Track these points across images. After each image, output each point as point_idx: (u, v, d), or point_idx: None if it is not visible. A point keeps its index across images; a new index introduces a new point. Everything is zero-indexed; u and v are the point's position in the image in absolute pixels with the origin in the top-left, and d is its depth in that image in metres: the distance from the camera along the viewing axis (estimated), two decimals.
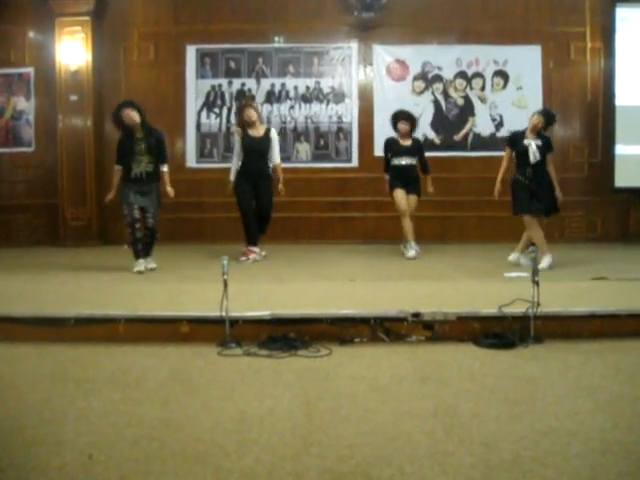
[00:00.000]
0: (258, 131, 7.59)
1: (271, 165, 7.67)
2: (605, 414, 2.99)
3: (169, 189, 6.80)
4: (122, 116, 6.60)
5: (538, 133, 6.88)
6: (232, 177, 7.62)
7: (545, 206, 6.82)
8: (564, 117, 9.84)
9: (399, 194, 7.83)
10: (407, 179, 7.88)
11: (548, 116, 6.96)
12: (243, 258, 7.61)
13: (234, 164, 7.64)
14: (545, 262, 6.60)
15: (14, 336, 4.40)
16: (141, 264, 6.71)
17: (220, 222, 8.80)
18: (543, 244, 6.73)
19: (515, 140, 6.94)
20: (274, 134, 7.70)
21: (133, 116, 6.57)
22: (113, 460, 2.54)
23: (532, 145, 6.75)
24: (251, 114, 7.54)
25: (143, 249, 6.78)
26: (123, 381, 3.57)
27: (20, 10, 9.79)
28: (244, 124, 7.59)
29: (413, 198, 7.92)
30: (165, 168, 6.82)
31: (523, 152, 6.80)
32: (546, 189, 6.83)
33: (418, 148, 8.00)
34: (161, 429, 2.85)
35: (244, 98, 8.51)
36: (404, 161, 7.89)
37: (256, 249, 7.68)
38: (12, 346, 4.27)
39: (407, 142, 7.94)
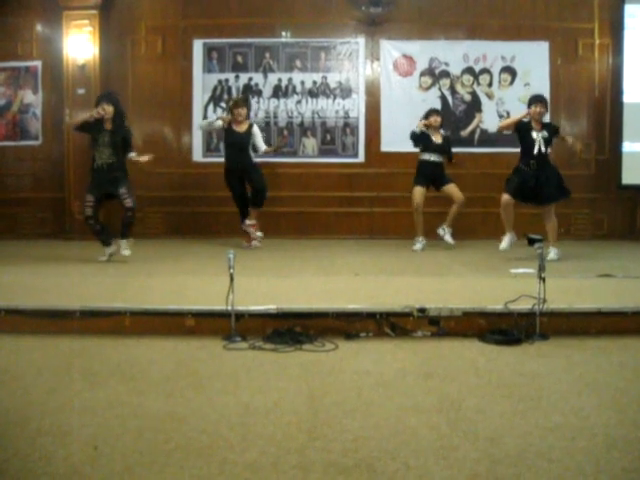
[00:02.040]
0: (242, 127, 8.11)
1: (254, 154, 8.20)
2: (610, 410, 2.98)
3: (143, 158, 7.18)
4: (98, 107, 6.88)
5: (542, 122, 6.94)
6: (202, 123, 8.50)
7: (550, 194, 6.94)
8: (571, 114, 9.82)
9: (417, 191, 8.01)
10: (434, 176, 8.07)
11: (546, 102, 7.07)
12: (245, 244, 8.22)
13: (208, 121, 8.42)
14: (505, 242, 6.99)
15: (20, 328, 4.42)
16: (106, 253, 6.99)
17: (226, 216, 8.78)
18: (508, 224, 7.04)
19: (522, 129, 7.00)
20: (256, 129, 8.23)
21: (107, 110, 6.87)
22: (118, 452, 2.54)
23: (539, 139, 6.81)
24: (241, 112, 8.08)
25: (107, 237, 7.05)
26: (128, 373, 3.58)
27: (28, 4, 9.78)
28: (231, 120, 8.12)
29: (453, 186, 8.06)
30: (133, 153, 7.16)
31: (529, 144, 6.85)
32: (551, 178, 6.94)
33: (448, 146, 8.20)
34: (166, 421, 2.85)
35: (237, 98, 8.69)
36: (433, 157, 8.06)
37: (251, 222, 8.24)
38: (18, 338, 4.29)
39: (438, 139, 8.11)
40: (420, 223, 8.05)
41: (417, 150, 8.20)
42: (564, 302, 4.53)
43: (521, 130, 7.01)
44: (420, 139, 8.06)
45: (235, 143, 8.09)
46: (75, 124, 7.20)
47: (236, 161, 8.09)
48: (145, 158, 7.16)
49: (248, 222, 8.22)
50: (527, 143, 6.93)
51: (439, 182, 8.11)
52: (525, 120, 6.99)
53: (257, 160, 8.27)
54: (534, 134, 6.88)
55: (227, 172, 8.19)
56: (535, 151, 6.83)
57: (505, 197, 6.99)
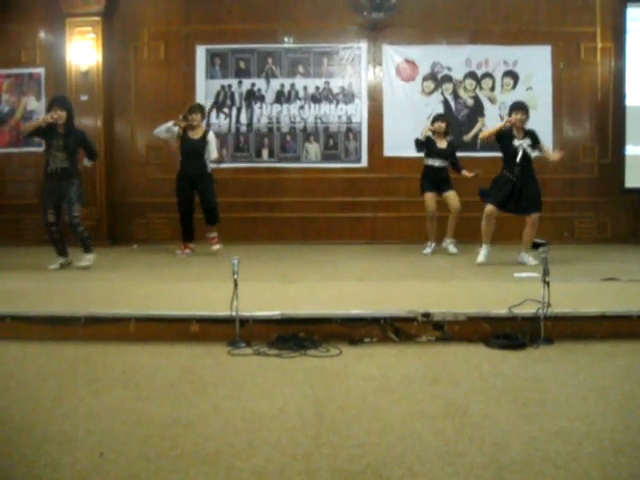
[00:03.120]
0: (196, 133, 8.10)
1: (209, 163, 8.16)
2: (616, 415, 2.98)
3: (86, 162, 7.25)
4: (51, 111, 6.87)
5: (524, 129, 6.93)
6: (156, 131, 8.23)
7: (527, 205, 6.92)
8: (574, 117, 9.83)
9: (429, 198, 8.14)
10: (439, 180, 8.17)
11: (526, 109, 7.01)
12: (179, 252, 8.24)
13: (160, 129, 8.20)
14: (482, 256, 7.02)
15: (25, 335, 4.43)
16: (56, 262, 6.98)
17: (230, 222, 8.79)
18: (487, 235, 7.07)
19: (504, 137, 6.97)
20: (211, 136, 8.19)
21: (60, 115, 6.84)
22: (124, 458, 2.54)
23: (523, 146, 6.83)
24: (195, 118, 8.08)
25: (63, 248, 7.04)
26: (133, 380, 3.58)
27: (31, 10, 9.82)
28: (187, 127, 8.10)
29: (453, 194, 8.18)
30: (88, 164, 7.30)
31: (512, 152, 6.85)
32: (532, 188, 6.93)
33: (452, 151, 8.26)
34: (172, 428, 2.85)
35: (192, 104, 8.68)
36: (437, 163, 8.16)
37: (191, 245, 8.27)
38: (23, 345, 4.29)
39: (443, 144, 8.18)
40: (433, 229, 8.24)
41: (420, 155, 8.24)
42: (568, 306, 4.53)
43: (503, 138, 6.97)
44: (424, 144, 8.10)
45: (189, 149, 8.03)
46: (27, 129, 7.12)
47: (190, 167, 8.04)
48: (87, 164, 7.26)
49: (209, 235, 8.23)
50: (509, 151, 6.92)
51: (442, 187, 8.18)
52: (506, 127, 6.96)
53: (212, 168, 8.26)
54: (516, 142, 6.87)
55: (179, 177, 8.15)
56: (518, 159, 6.83)
57: (489, 207, 6.99)
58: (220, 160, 8.28)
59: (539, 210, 6.98)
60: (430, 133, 8.10)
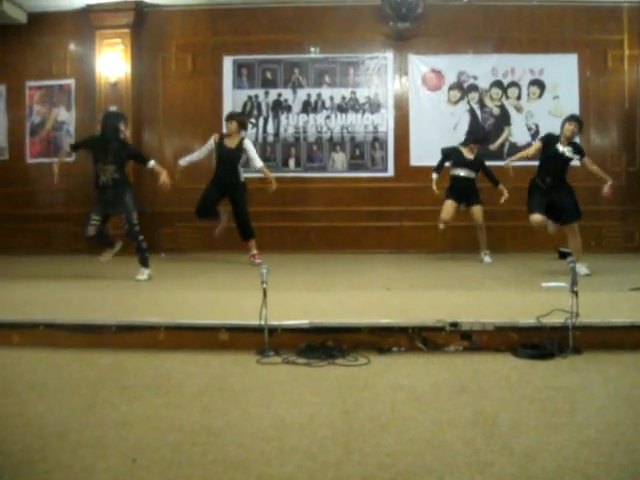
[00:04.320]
0: (233, 142, 8.04)
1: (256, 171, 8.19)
2: None
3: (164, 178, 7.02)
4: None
5: (572, 142, 6.89)
6: (182, 162, 8.19)
7: (564, 215, 6.84)
8: (601, 126, 9.78)
9: (448, 204, 8.17)
10: (464, 191, 8.20)
11: (581, 122, 6.96)
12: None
13: (190, 156, 8.22)
14: (582, 269, 6.69)
15: (57, 342, 4.50)
16: (109, 254, 7.25)
17: (257, 231, 8.80)
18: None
19: (549, 143, 6.92)
20: (247, 144, 8.11)
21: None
22: (156, 464, 2.58)
23: (566, 152, 6.77)
24: (229, 126, 8.07)
25: (107, 240, 7.20)
26: (164, 387, 3.62)
27: (61, 23, 10.01)
28: (222, 134, 8.19)
29: (478, 209, 8.22)
30: (152, 163, 7.08)
31: (552, 157, 6.79)
32: (566, 197, 6.86)
33: (480, 163, 8.31)
34: (202, 435, 2.89)
35: (230, 112, 8.74)
36: (462, 172, 8.21)
37: (253, 252, 8.19)
38: (55, 352, 4.36)
39: (470, 156, 8.24)
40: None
41: (449, 165, 8.27)
42: (597, 316, 4.50)
43: (547, 146, 6.92)
44: (451, 155, 8.13)
45: (224, 158, 8.02)
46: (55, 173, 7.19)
47: (224, 176, 8.02)
48: (164, 177, 7.01)
49: (250, 252, 8.20)
50: (550, 156, 6.85)
51: (470, 200, 8.22)
52: (555, 135, 6.93)
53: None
54: (560, 147, 6.83)
55: (211, 183, 8.12)
56: (553, 165, 6.79)
57: (535, 217, 6.88)
58: (266, 174, 8.06)
59: (576, 218, 6.88)
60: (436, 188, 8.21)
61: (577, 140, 7.02)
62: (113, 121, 6.86)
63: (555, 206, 6.82)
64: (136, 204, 6.89)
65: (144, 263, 6.89)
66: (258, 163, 8.04)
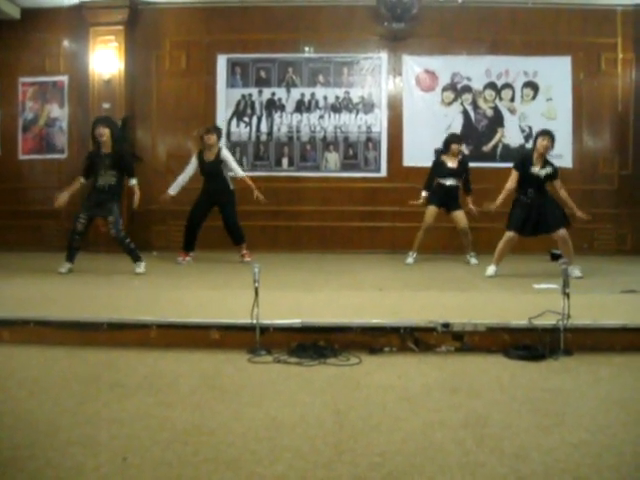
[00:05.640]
0: (211, 154, 8.17)
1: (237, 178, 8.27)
2: (638, 427, 2.97)
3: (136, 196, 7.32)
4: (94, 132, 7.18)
5: (544, 159, 6.89)
6: (171, 191, 8.28)
7: (551, 222, 6.82)
8: (594, 128, 9.81)
9: (431, 210, 8.20)
10: (447, 198, 8.23)
11: (553, 137, 6.92)
12: (180, 259, 8.29)
13: (177, 182, 8.30)
14: (491, 270, 6.97)
15: (48, 339, 4.48)
16: (66, 267, 7.14)
17: (249, 230, 8.81)
18: (500, 257, 7.05)
19: (523, 164, 6.92)
20: (225, 154, 8.23)
21: (102, 132, 7.14)
22: (147, 463, 2.57)
23: (542, 174, 6.80)
24: (210, 138, 8.12)
25: (73, 256, 7.20)
26: (155, 386, 3.61)
27: (55, 19, 9.98)
28: (201, 149, 8.27)
29: (460, 213, 8.26)
30: (133, 182, 7.31)
31: (528, 177, 6.80)
32: (550, 207, 6.85)
33: (464, 169, 8.29)
34: (194, 434, 2.88)
35: (208, 126, 8.78)
36: (448, 182, 8.24)
37: (191, 254, 8.36)
38: (46, 349, 4.34)
39: (454, 164, 8.24)
40: (420, 240, 8.30)
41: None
42: (588, 318, 4.51)
43: (522, 166, 6.91)
44: (435, 169, 8.26)
45: (208, 173, 8.16)
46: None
47: (212, 186, 8.16)
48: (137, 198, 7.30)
49: (241, 252, 8.31)
50: (525, 177, 6.87)
51: (450, 206, 8.25)
52: (528, 152, 7.03)
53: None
54: (535, 169, 6.83)
55: (201, 192, 8.26)
56: (534, 182, 6.82)
57: (509, 234, 6.93)
58: (250, 185, 8.14)
59: (563, 225, 6.85)
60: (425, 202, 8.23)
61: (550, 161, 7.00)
62: (92, 127, 7.27)
63: (540, 217, 6.81)
64: (120, 212, 7.20)
65: (137, 259, 7.17)
66: (239, 172, 8.21)
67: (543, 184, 6.87)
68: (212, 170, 8.10)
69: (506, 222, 7.01)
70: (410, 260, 8.31)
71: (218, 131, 8.43)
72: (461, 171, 8.25)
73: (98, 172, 7.06)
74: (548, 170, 6.87)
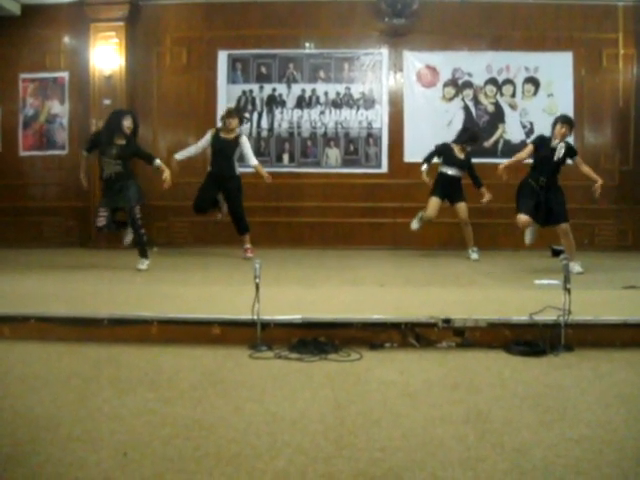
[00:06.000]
0: (230, 134, 8.08)
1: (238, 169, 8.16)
2: (639, 423, 2.97)
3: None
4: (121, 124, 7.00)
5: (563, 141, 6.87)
6: (178, 156, 8.22)
7: (554, 216, 6.82)
8: (595, 124, 9.79)
9: (433, 201, 8.15)
10: (450, 189, 8.19)
11: (572, 124, 6.92)
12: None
13: (187, 150, 8.32)
14: (575, 268, 6.67)
15: (49, 335, 4.48)
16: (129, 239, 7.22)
17: (250, 226, 8.81)
18: (570, 249, 6.83)
19: (541, 144, 6.90)
20: (244, 140, 8.15)
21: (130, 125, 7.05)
22: (148, 458, 2.57)
23: (561, 150, 6.75)
24: (232, 122, 8.04)
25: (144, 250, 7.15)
26: (156, 381, 3.61)
27: (55, 15, 9.96)
28: (220, 128, 8.19)
29: (462, 205, 8.21)
30: (157, 162, 7.18)
31: (546, 157, 6.76)
32: (556, 199, 6.84)
33: (468, 163, 8.28)
34: (194, 429, 2.88)
35: (230, 108, 8.72)
36: (451, 171, 8.20)
37: (247, 247, 8.24)
38: (47, 345, 4.35)
39: (461, 155, 8.23)
40: (468, 233, 8.30)
41: (438, 161, 8.24)
42: (589, 313, 4.50)
43: (541, 146, 6.88)
44: (443, 152, 8.11)
45: (221, 150, 8.04)
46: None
47: (220, 169, 8.06)
48: (167, 174, 7.13)
49: (244, 246, 8.26)
50: (545, 156, 6.82)
51: (454, 197, 8.21)
52: (548, 136, 6.93)
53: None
54: (555, 144, 6.79)
55: (207, 177, 8.19)
56: (555, 157, 6.77)
57: (523, 217, 6.84)
58: (259, 171, 8.08)
59: (564, 220, 6.84)
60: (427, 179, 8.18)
61: (570, 140, 6.98)
62: (116, 117, 7.02)
63: (545, 206, 6.81)
64: (140, 197, 7.06)
65: (143, 254, 7.08)
66: (253, 161, 8.07)
67: (558, 169, 6.85)
68: (225, 148, 8.01)
69: (515, 207, 6.97)
70: (475, 255, 8.20)
71: (241, 116, 8.42)
72: (465, 164, 8.22)
73: (103, 161, 6.95)
74: (566, 149, 6.84)
